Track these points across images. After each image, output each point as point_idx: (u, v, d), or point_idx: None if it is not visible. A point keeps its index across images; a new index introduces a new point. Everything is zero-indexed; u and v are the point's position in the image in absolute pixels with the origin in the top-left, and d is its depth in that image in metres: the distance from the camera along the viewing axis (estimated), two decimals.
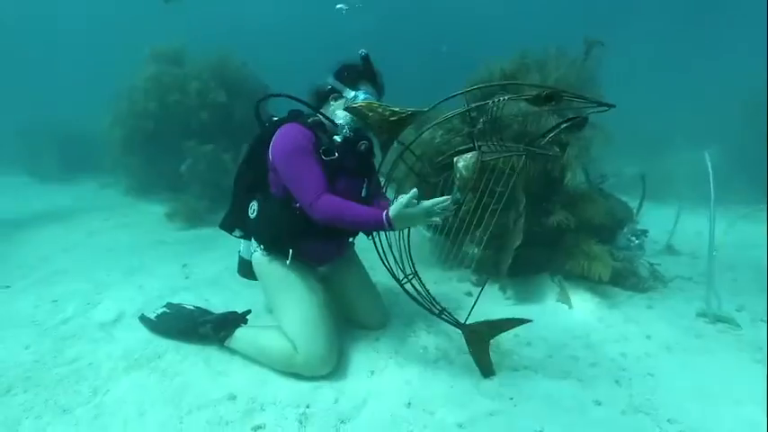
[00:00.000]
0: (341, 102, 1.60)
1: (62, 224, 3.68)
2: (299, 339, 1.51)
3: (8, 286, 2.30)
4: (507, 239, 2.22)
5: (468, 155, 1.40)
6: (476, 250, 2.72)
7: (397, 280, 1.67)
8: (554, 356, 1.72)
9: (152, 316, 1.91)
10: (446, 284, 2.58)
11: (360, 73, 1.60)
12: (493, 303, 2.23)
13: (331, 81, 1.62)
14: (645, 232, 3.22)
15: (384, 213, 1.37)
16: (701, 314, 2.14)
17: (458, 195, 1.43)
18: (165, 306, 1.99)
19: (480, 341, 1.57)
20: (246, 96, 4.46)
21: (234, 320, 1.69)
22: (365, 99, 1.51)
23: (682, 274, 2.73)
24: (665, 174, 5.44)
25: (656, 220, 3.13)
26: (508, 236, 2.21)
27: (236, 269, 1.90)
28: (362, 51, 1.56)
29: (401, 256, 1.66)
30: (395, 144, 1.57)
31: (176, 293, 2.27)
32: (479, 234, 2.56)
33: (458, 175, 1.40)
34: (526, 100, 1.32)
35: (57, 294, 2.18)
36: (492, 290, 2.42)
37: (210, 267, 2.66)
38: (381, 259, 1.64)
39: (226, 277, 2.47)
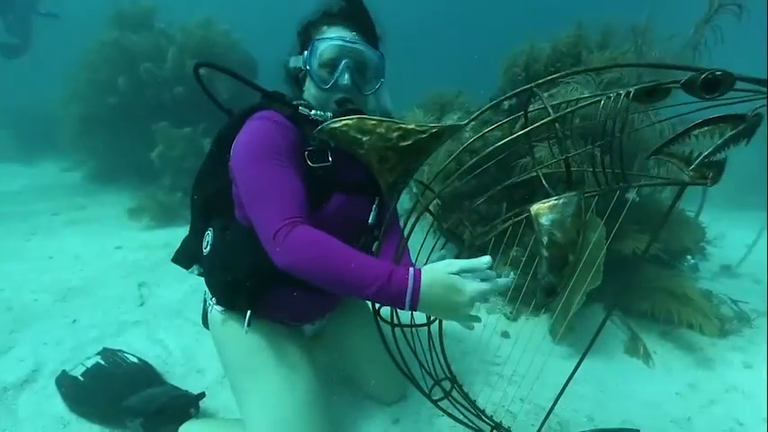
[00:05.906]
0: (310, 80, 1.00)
1: (0, 221, 3.04)
2: None
3: None
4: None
5: (561, 200, 0.67)
6: (511, 275, 2.19)
7: (425, 393, 1.00)
8: None
9: (78, 373, 1.36)
10: None
11: (319, 18, 0.99)
12: (539, 353, 1.69)
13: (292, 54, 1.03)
14: (702, 250, 2.70)
15: (411, 272, 0.76)
16: None
17: (553, 280, 0.70)
18: (99, 354, 1.44)
19: None
20: (234, 68, 3.76)
21: (178, 411, 1.12)
22: (331, 46, 0.94)
23: (757, 306, 2.22)
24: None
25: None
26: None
27: (201, 317, 1.34)
28: None
29: (423, 346, 1.00)
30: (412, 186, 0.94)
31: (122, 331, 1.71)
32: (515, 253, 2.04)
33: (545, 241, 0.69)
34: (660, 87, 0.64)
35: None
36: (532, 328, 1.89)
37: (175, 288, 2.09)
38: (390, 354, 0.93)
39: (192, 305, 1.89)
